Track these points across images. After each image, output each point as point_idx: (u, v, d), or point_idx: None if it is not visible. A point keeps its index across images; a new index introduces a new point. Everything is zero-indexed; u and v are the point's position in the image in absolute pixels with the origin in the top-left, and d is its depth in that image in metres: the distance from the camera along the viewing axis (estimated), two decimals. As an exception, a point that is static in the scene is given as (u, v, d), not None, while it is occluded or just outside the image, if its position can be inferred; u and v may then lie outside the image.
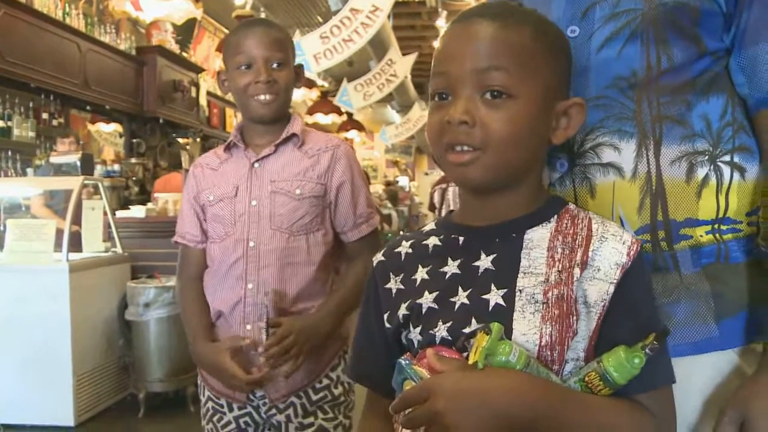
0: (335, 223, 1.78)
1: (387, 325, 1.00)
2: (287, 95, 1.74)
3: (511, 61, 0.90)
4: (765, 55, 1.01)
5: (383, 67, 10.13)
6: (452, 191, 8.02)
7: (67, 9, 6.38)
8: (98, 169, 6.74)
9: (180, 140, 8.57)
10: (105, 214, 4.45)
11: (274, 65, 1.69)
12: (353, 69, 11.37)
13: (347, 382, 1.79)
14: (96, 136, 8.48)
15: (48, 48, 5.91)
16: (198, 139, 9.27)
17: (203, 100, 9.36)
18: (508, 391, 0.81)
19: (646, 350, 0.82)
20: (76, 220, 4.26)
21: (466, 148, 0.90)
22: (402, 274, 1.01)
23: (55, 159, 5.46)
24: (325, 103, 11.75)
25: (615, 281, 0.89)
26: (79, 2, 6.83)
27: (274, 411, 1.72)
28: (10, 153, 6.23)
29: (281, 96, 1.71)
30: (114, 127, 8.36)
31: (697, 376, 1.03)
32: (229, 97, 1.83)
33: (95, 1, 7.42)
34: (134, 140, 7.76)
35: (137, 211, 4.95)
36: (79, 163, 5.31)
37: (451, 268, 0.96)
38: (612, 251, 0.90)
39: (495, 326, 0.82)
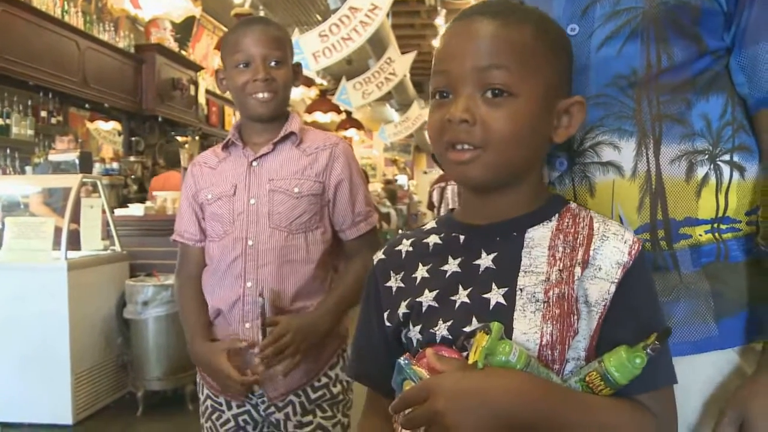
0: (334, 222, 1.77)
1: (387, 323, 1.00)
2: (285, 93, 1.74)
3: (512, 60, 0.89)
4: (765, 54, 1.01)
5: (382, 66, 10.12)
6: (451, 190, 8.01)
7: (66, 7, 6.38)
8: (97, 167, 6.75)
9: (179, 138, 8.56)
10: (103, 212, 4.44)
11: (272, 63, 1.69)
12: (352, 67, 11.37)
13: (346, 381, 1.79)
14: (95, 134, 8.47)
15: (47, 46, 5.91)
16: (197, 138, 9.27)
17: (202, 99, 9.36)
18: (509, 391, 0.81)
19: (648, 350, 0.81)
20: (75, 218, 4.27)
21: (466, 146, 0.90)
22: (402, 273, 1.01)
23: (53, 157, 5.47)
24: (323, 101, 11.74)
25: (616, 280, 0.89)
26: (78, 0, 6.82)
27: (272, 409, 1.72)
28: (8, 151, 6.23)
29: (279, 94, 1.71)
30: (113, 125, 8.36)
31: (697, 375, 1.03)
32: (228, 95, 1.82)
33: (94, -2, 7.41)
34: (133, 138, 7.76)
35: (136, 210, 4.95)
36: (77, 161, 5.32)
37: (452, 266, 0.96)
38: (613, 250, 0.90)
39: (495, 326, 0.82)
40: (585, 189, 1.08)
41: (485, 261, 0.94)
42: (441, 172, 9.10)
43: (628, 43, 1.04)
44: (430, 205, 8.90)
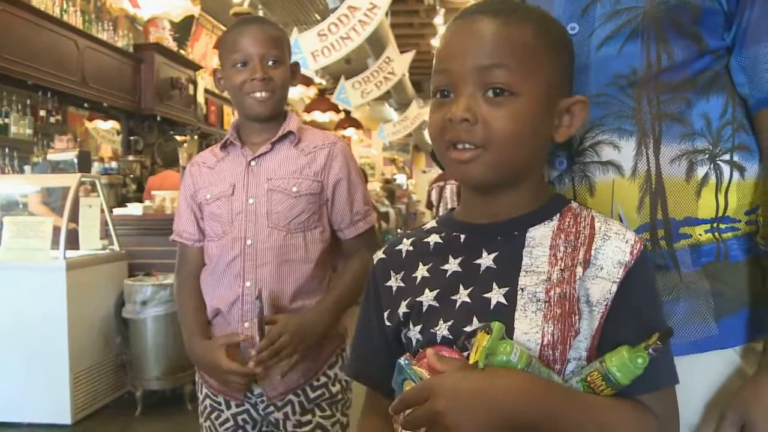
0: (332, 221, 1.77)
1: (387, 323, 0.99)
2: (283, 93, 1.73)
3: (513, 59, 0.89)
4: (766, 54, 1.01)
5: (381, 65, 10.10)
6: (450, 189, 8.00)
7: (65, 6, 6.37)
8: (96, 167, 6.75)
9: (178, 138, 8.57)
10: (102, 211, 4.43)
11: (270, 62, 1.68)
12: (351, 67, 11.36)
13: (345, 380, 1.79)
14: (93, 133, 8.47)
15: (45, 45, 5.91)
16: (195, 137, 9.27)
17: (201, 98, 9.37)
18: (509, 391, 0.80)
19: (650, 350, 0.81)
20: (74, 217, 4.26)
21: (467, 145, 0.90)
22: (402, 272, 1.01)
23: (52, 156, 5.47)
24: (322, 100, 11.73)
25: (618, 280, 0.88)
26: (77, -1, 6.82)
27: (271, 408, 1.72)
28: (7, 150, 6.21)
29: (277, 93, 1.70)
30: (111, 125, 8.36)
31: (698, 375, 1.03)
32: (227, 94, 1.83)
33: (92, -2, 7.41)
34: (132, 138, 7.77)
35: (134, 209, 4.95)
36: (76, 161, 5.32)
37: (452, 266, 0.96)
38: (615, 250, 0.90)
39: (496, 325, 0.81)
40: (585, 188, 1.08)
41: (486, 260, 0.93)
42: (440, 172, 9.10)
43: (629, 43, 1.04)
44: (429, 205, 8.89)
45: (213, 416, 1.77)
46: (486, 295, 0.90)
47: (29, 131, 6.42)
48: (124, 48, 7.35)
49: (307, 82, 10.11)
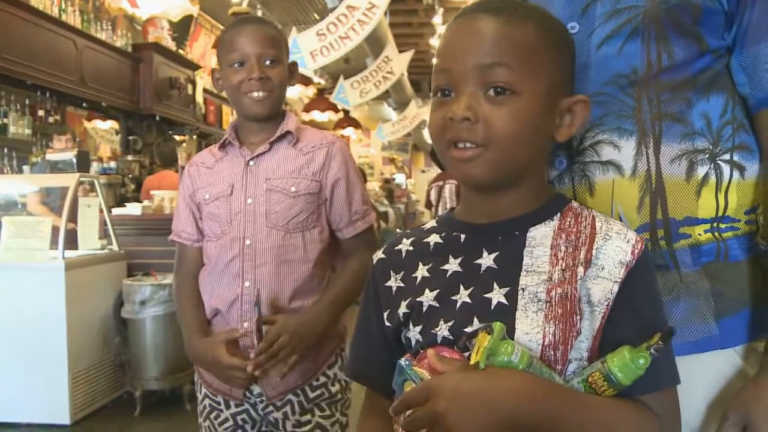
0: (331, 220, 1.77)
1: (387, 323, 0.99)
2: (281, 92, 1.73)
3: (514, 58, 0.89)
4: (766, 54, 1.01)
5: (380, 65, 10.10)
6: (449, 188, 8.00)
7: (64, 6, 6.38)
8: (94, 167, 6.75)
9: (176, 137, 8.56)
10: (101, 211, 4.43)
11: (267, 62, 1.68)
12: (350, 66, 11.36)
13: (344, 380, 1.79)
14: (92, 133, 8.46)
15: (44, 45, 5.91)
16: (194, 137, 9.27)
17: (200, 98, 9.37)
18: (511, 391, 0.80)
19: (651, 350, 0.80)
20: (72, 217, 4.25)
21: (468, 144, 0.89)
22: (402, 272, 1.00)
23: (51, 156, 5.47)
24: (321, 100, 11.73)
25: (619, 280, 0.88)
26: (75, -1, 6.82)
27: (271, 408, 1.72)
28: (6, 150, 6.21)
29: (275, 93, 1.70)
30: (110, 125, 8.35)
31: (699, 376, 1.02)
32: (225, 94, 1.83)
33: (91, -3, 7.41)
34: (130, 137, 7.77)
35: (133, 209, 4.94)
36: (75, 161, 5.32)
37: (453, 266, 0.95)
38: (616, 250, 0.89)
39: (497, 326, 0.81)
40: (584, 188, 1.08)
41: (487, 260, 0.93)
42: (439, 171, 9.09)
43: (629, 42, 1.04)
44: (428, 204, 8.88)
45: (212, 416, 1.77)
46: (487, 296, 0.90)
47: (28, 131, 6.42)
48: (122, 48, 7.35)
49: (306, 81, 10.11)
